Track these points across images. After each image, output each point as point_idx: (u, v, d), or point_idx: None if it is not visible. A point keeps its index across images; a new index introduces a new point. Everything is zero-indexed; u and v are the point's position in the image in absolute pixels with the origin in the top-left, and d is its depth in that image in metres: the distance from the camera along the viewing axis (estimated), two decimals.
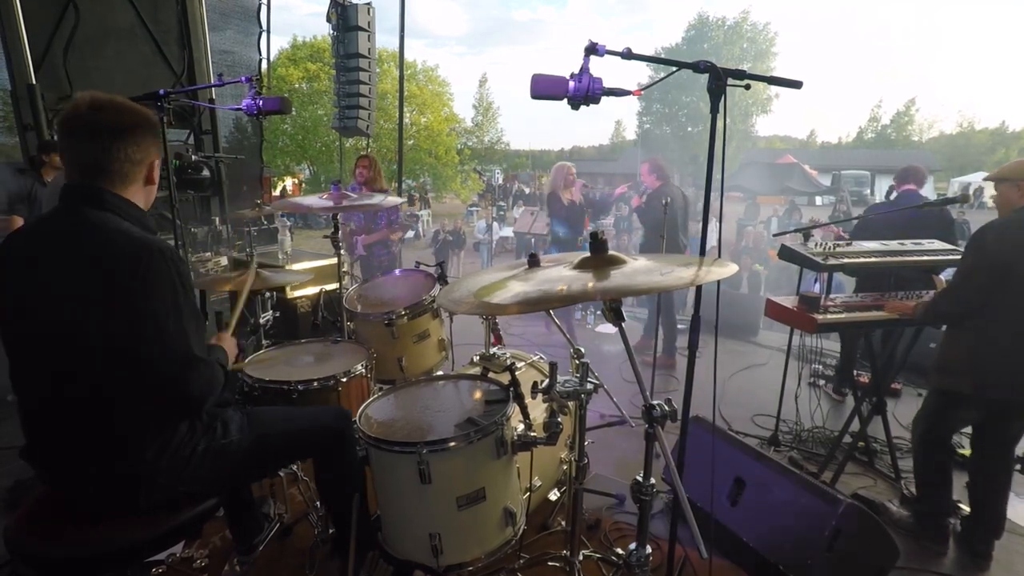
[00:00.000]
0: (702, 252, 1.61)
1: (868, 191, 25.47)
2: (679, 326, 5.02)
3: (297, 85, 23.63)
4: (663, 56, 1.98)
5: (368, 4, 7.03)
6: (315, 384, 2.15)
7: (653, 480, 1.51)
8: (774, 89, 27.01)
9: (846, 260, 2.82)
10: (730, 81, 1.47)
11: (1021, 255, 2.20)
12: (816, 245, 2.93)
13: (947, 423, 2.49)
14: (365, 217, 4.61)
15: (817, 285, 6.05)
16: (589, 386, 1.71)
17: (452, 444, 1.68)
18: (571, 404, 1.74)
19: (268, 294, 2.96)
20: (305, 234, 14.24)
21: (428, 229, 17.13)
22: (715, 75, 1.45)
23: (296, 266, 4.07)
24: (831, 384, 4.28)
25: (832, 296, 2.92)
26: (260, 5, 6.51)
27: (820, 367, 4.50)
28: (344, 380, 2.22)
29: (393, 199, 2.98)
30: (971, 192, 20.82)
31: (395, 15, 7.95)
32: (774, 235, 10.12)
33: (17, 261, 1.40)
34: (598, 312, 6.00)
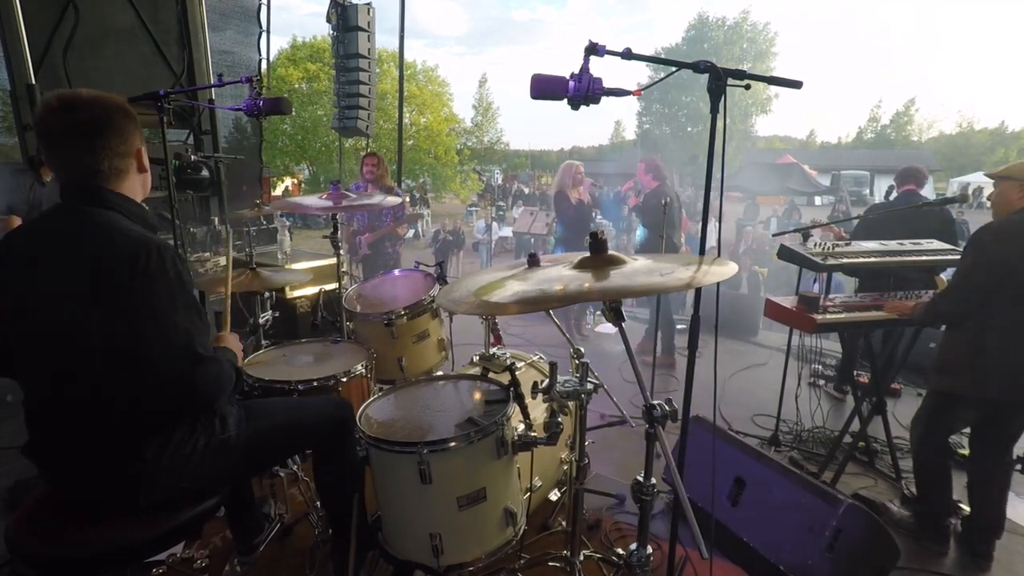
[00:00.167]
0: (702, 252, 1.61)
1: (867, 191, 25.47)
2: (678, 326, 5.02)
3: (297, 85, 23.59)
4: (663, 56, 1.98)
5: (368, 4, 7.04)
6: (315, 384, 2.16)
7: (654, 480, 1.51)
8: (774, 89, 27.10)
9: (845, 260, 2.82)
10: (730, 81, 1.46)
11: (1021, 255, 2.20)
12: (815, 245, 2.94)
13: (946, 423, 2.49)
14: (369, 216, 4.61)
15: (816, 285, 6.05)
16: (589, 386, 1.71)
17: (452, 444, 1.68)
18: (571, 404, 1.74)
19: (267, 294, 2.96)
20: (305, 234, 14.22)
21: (428, 229, 17.14)
22: (715, 75, 1.45)
23: (295, 266, 4.08)
24: (831, 384, 4.28)
25: (831, 296, 2.92)
26: (260, 5, 6.49)
27: (820, 367, 4.50)
28: (344, 380, 2.23)
29: (393, 199, 2.98)
30: (970, 192, 20.82)
31: (395, 15, 7.98)
32: (773, 235, 10.11)
33: (17, 260, 1.39)
34: (598, 312, 5.99)
